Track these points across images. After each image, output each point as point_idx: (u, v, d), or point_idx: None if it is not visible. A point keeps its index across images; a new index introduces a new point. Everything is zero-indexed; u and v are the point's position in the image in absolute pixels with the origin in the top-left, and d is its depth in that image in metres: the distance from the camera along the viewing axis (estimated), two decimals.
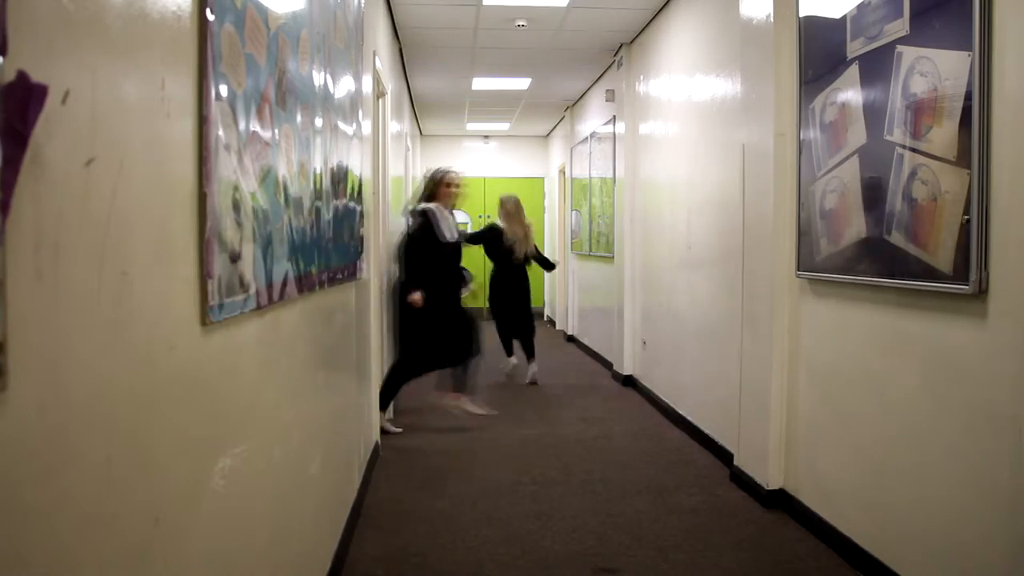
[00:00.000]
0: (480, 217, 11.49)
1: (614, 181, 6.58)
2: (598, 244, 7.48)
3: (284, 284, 1.79)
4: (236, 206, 1.41)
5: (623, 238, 6.27)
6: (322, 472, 2.39)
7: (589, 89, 8.09)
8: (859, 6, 2.63)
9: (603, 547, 2.91)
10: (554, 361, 7.59)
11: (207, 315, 1.25)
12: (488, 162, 11.63)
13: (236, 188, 1.41)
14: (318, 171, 2.25)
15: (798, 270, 3.12)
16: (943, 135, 2.17)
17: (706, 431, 4.35)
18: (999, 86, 1.99)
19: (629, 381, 6.19)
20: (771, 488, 3.32)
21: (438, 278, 4.64)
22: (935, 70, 2.21)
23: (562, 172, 10.09)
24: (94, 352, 0.90)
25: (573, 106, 9.06)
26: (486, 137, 11.57)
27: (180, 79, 1.17)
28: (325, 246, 2.36)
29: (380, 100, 4.55)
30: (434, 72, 7.37)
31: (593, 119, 7.85)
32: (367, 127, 3.67)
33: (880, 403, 2.58)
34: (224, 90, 1.33)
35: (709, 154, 4.38)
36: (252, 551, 1.59)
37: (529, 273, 6.41)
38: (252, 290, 1.51)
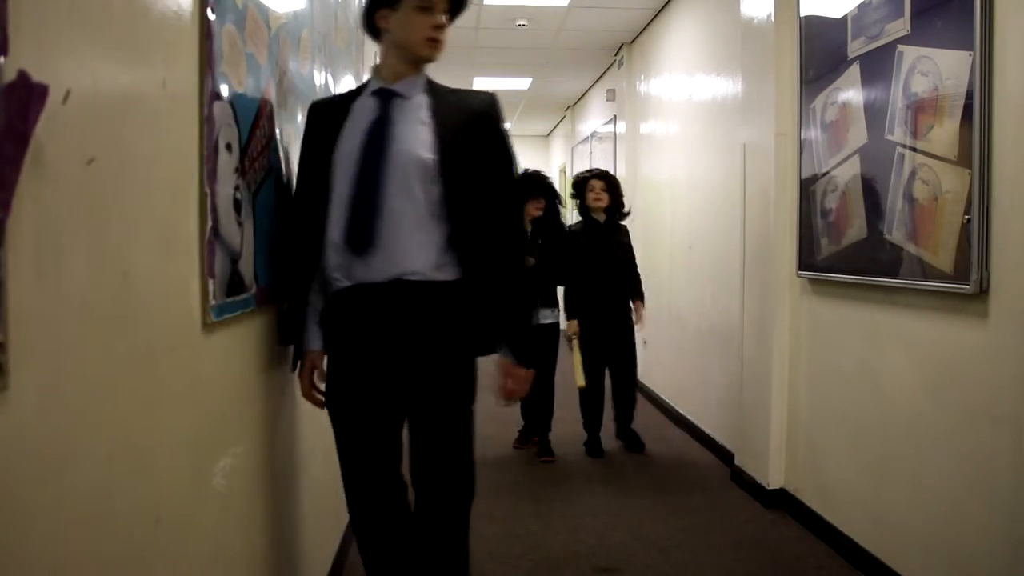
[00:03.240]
0: None
1: None
2: None
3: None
4: (237, 206, 1.41)
5: None
6: (323, 471, 2.39)
7: (590, 89, 8.08)
8: (860, 5, 2.63)
9: (603, 547, 2.90)
10: None
11: (208, 315, 1.25)
12: None
13: (237, 188, 1.41)
14: None
15: (799, 270, 3.12)
16: (944, 135, 2.17)
17: (706, 431, 4.35)
18: (1000, 85, 1.99)
19: None
20: (772, 488, 3.32)
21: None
22: (936, 69, 2.21)
23: (563, 171, 10.08)
24: (95, 352, 0.90)
25: (574, 106, 9.06)
26: None
27: (181, 79, 1.17)
28: None
29: None
30: (434, 71, 7.32)
31: (594, 119, 7.84)
32: None
33: (881, 403, 2.58)
34: (225, 90, 1.34)
35: (710, 154, 4.38)
36: (252, 551, 1.59)
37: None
38: (253, 290, 1.51)
